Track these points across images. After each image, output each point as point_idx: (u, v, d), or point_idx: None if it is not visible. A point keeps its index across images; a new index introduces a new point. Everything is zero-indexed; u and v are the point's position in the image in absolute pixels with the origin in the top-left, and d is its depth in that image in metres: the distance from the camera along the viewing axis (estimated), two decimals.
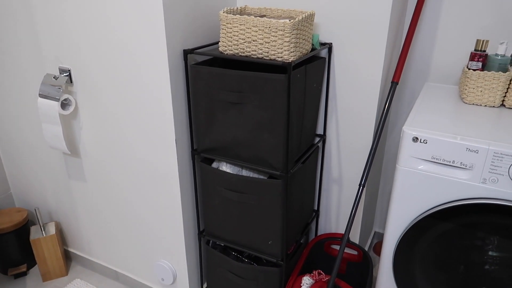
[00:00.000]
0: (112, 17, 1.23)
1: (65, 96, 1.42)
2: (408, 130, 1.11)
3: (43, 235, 1.73)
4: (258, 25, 1.15)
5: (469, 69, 1.31)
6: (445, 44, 1.51)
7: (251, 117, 1.22)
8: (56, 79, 1.41)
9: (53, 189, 1.76)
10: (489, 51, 1.44)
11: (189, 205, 1.46)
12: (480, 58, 1.30)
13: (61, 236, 1.88)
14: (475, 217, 1.09)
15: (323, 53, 1.41)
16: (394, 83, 1.36)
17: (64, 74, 1.42)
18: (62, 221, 1.83)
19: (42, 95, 1.41)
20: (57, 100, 1.39)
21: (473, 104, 1.30)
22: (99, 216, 1.67)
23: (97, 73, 1.36)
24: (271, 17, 1.32)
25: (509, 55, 1.42)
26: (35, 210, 1.74)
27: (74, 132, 1.53)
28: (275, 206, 1.30)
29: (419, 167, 1.11)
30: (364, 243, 1.80)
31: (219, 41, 1.31)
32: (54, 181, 1.73)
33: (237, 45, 1.21)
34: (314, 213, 1.67)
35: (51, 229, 1.77)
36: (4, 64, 1.58)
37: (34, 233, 1.74)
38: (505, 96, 1.27)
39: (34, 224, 1.94)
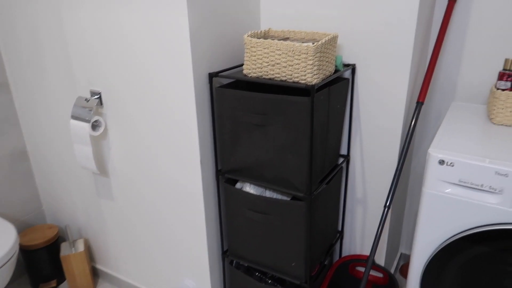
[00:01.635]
0: (140, 43, 1.28)
1: (96, 117, 1.47)
2: (434, 152, 1.09)
3: (72, 251, 1.78)
4: (281, 48, 1.17)
5: (497, 88, 1.28)
6: (472, 63, 1.49)
7: (274, 138, 1.23)
8: (87, 102, 1.47)
9: (83, 207, 1.82)
10: None
11: (213, 225, 1.48)
12: (509, 77, 1.27)
13: (89, 253, 1.92)
14: (506, 242, 1.05)
15: (347, 74, 1.41)
16: (420, 103, 1.35)
17: (95, 97, 1.48)
18: (91, 238, 1.88)
19: (74, 117, 1.47)
20: (88, 121, 1.44)
21: (502, 124, 1.27)
22: (126, 234, 1.71)
23: (125, 96, 1.41)
24: (294, 40, 1.34)
25: None
26: (65, 227, 1.80)
27: (103, 152, 1.59)
28: (299, 227, 1.30)
29: (446, 191, 1.09)
30: (390, 265, 1.76)
31: (243, 64, 1.34)
32: (84, 199, 1.79)
33: (261, 68, 1.23)
34: (338, 234, 1.65)
35: (80, 246, 1.81)
36: (40, 87, 1.66)
37: (64, 250, 1.79)
38: None
39: (64, 240, 2.00)
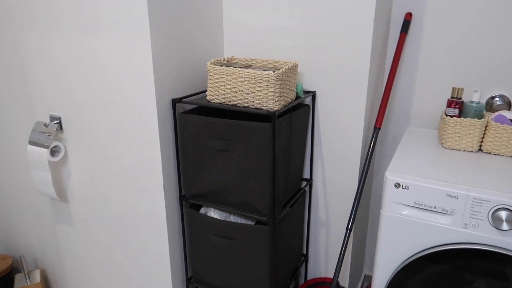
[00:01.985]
0: (103, 67, 1.28)
1: (55, 143, 1.44)
2: (390, 176, 1.14)
3: (28, 283, 1.69)
4: (244, 76, 1.21)
5: (446, 115, 1.36)
6: (424, 91, 1.58)
7: (237, 163, 1.24)
8: (46, 127, 1.43)
9: (40, 235, 1.74)
10: (465, 98, 1.51)
11: (177, 251, 1.46)
12: (457, 105, 1.36)
13: (46, 284, 1.83)
14: (460, 261, 1.10)
15: (307, 100, 1.46)
16: (377, 128, 1.41)
17: (55, 122, 1.45)
18: (47, 268, 1.80)
19: (32, 142, 1.43)
20: (47, 147, 1.40)
21: (452, 149, 1.35)
22: (84, 263, 1.64)
23: (87, 121, 1.39)
24: (256, 67, 1.38)
25: (484, 102, 1.49)
26: (20, 257, 1.71)
27: (62, 178, 1.54)
28: (263, 251, 1.30)
29: (403, 212, 1.14)
30: (354, 286, 1.78)
31: (206, 90, 1.36)
32: (41, 227, 1.71)
33: (224, 94, 1.26)
34: (303, 257, 1.66)
35: (37, 277, 1.73)
36: None
37: (19, 281, 1.70)
38: (482, 141, 1.32)
39: (19, 271, 1.90)
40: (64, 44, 1.32)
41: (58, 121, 1.45)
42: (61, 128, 1.46)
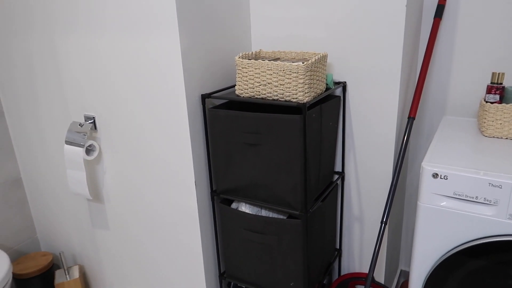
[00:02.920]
0: (133, 66, 1.30)
1: (90, 142, 1.47)
2: (428, 166, 1.10)
3: (67, 279, 1.74)
4: (272, 68, 1.19)
5: (486, 102, 1.30)
6: (461, 77, 1.51)
7: (268, 157, 1.23)
8: (81, 126, 1.47)
9: (77, 234, 1.79)
10: (506, 83, 1.43)
11: (210, 246, 1.46)
12: (497, 91, 1.29)
13: (84, 280, 1.89)
14: (505, 255, 1.04)
15: (338, 91, 1.43)
16: (411, 118, 1.36)
17: (89, 121, 1.48)
18: (86, 265, 1.85)
19: (68, 142, 1.47)
20: (82, 146, 1.44)
21: (493, 137, 1.28)
22: (119, 259, 1.68)
23: (120, 120, 1.41)
24: (285, 60, 1.36)
25: None
26: (59, 254, 1.77)
27: (97, 178, 1.58)
28: (296, 246, 1.28)
29: (442, 204, 1.09)
30: (390, 282, 1.74)
31: (235, 85, 1.36)
32: (78, 226, 1.77)
33: (253, 88, 1.25)
34: (336, 252, 1.63)
35: (75, 273, 1.78)
36: (34, 114, 1.67)
37: (59, 277, 1.76)
38: None
39: (59, 267, 1.96)
40: (97, 45, 1.35)
41: (92, 120, 1.48)
42: (95, 128, 1.49)
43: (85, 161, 1.48)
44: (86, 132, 1.46)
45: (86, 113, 1.50)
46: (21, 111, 1.70)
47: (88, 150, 1.49)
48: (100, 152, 1.53)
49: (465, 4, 1.43)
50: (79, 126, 1.48)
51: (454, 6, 1.45)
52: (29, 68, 1.58)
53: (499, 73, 1.28)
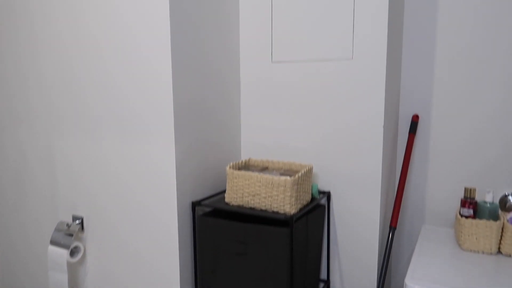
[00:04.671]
0: (127, 172, 1.35)
1: (75, 243, 1.46)
2: (410, 283, 1.13)
3: None
4: (261, 181, 1.26)
5: (461, 215, 1.38)
6: (437, 189, 1.61)
7: (255, 267, 1.24)
8: (68, 227, 1.47)
9: None
10: (478, 197, 1.53)
11: None
12: (470, 205, 1.38)
13: None
14: None
15: (323, 200, 1.50)
16: (392, 228, 1.42)
17: (77, 222, 1.49)
18: None
19: (53, 242, 1.46)
20: (67, 248, 1.43)
21: (470, 250, 1.34)
22: None
23: (109, 221, 1.43)
24: (273, 170, 1.44)
25: (497, 202, 1.51)
26: None
27: (78, 279, 1.54)
28: None
29: None
30: None
31: (225, 190, 1.41)
32: None
33: (242, 197, 1.30)
34: None
35: None
36: (20, 210, 1.66)
37: None
38: (500, 243, 1.31)
39: None
40: (94, 147, 1.42)
41: (81, 221, 1.49)
42: (82, 228, 1.50)
43: (68, 263, 1.45)
44: (73, 233, 1.46)
45: (75, 213, 1.51)
46: (6, 205, 1.70)
47: (72, 252, 1.47)
48: (84, 253, 1.51)
49: (436, 121, 1.58)
50: (66, 226, 1.48)
51: (426, 123, 1.59)
52: (23, 163, 1.62)
53: (470, 188, 1.38)
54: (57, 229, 1.48)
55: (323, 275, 1.54)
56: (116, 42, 1.31)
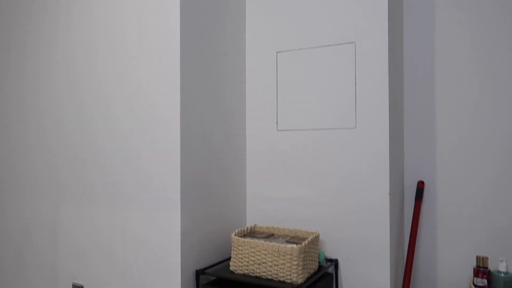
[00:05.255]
0: (131, 239, 1.34)
1: None
2: None
3: None
4: (267, 249, 1.24)
5: (475, 286, 1.33)
6: (447, 258, 1.56)
7: None
8: None
9: None
10: (491, 266, 1.48)
11: None
12: (484, 275, 1.33)
13: None
14: None
15: (330, 269, 1.46)
16: None
17: None
18: None
19: None
20: None
21: None
22: None
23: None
24: (279, 236, 1.42)
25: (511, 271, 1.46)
26: None
27: None
28: None
29: None
30: None
31: (230, 257, 1.38)
32: None
33: (247, 266, 1.27)
34: None
35: None
36: (20, 282, 1.62)
37: None
38: None
39: None
40: (98, 215, 1.41)
41: None
42: None
43: None
44: None
45: (75, 282, 1.47)
46: (7, 275, 1.66)
47: None
48: None
49: (441, 187, 1.57)
50: None
51: (432, 189, 1.59)
52: (24, 232, 1.61)
53: (482, 257, 1.35)
54: None
55: None
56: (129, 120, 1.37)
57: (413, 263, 1.60)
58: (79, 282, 1.46)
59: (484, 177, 1.51)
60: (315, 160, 1.49)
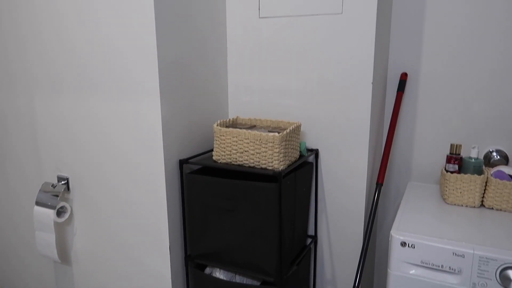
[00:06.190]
0: (112, 130, 1.32)
1: (61, 203, 1.45)
2: (396, 234, 1.15)
3: None
4: (249, 137, 1.25)
5: (447, 171, 1.40)
6: (424, 146, 1.62)
7: (244, 223, 1.25)
8: (54, 187, 1.45)
9: None
10: (464, 153, 1.55)
11: None
12: (456, 161, 1.40)
13: None
14: None
15: (311, 158, 1.50)
16: (379, 184, 1.44)
17: (62, 183, 1.47)
18: None
19: (38, 203, 1.44)
20: (54, 208, 1.41)
21: (454, 204, 1.37)
22: None
23: (95, 181, 1.41)
24: (261, 128, 1.43)
25: (482, 157, 1.53)
26: None
27: (66, 239, 1.53)
28: None
29: (411, 272, 1.14)
30: None
31: (212, 149, 1.40)
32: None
33: (230, 155, 1.29)
34: None
35: None
36: (3, 172, 1.63)
37: None
38: (483, 196, 1.34)
39: None
40: (74, 107, 1.38)
41: (66, 181, 1.47)
42: (68, 189, 1.48)
43: (55, 223, 1.44)
44: (58, 193, 1.44)
45: (60, 174, 1.49)
46: None
47: (59, 212, 1.46)
48: (71, 214, 1.50)
49: (424, 79, 1.57)
50: (51, 187, 1.46)
51: (415, 81, 1.59)
52: (2, 125, 1.57)
53: (456, 145, 1.39)
54: (42, 190, 1.46)
55: (311, 231, 1.56)
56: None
57: (391, 152, 1.67)
58: (64, 174, 1.48)
59: (464, 71, 1.50)
60: (299, 48, 1.43)
